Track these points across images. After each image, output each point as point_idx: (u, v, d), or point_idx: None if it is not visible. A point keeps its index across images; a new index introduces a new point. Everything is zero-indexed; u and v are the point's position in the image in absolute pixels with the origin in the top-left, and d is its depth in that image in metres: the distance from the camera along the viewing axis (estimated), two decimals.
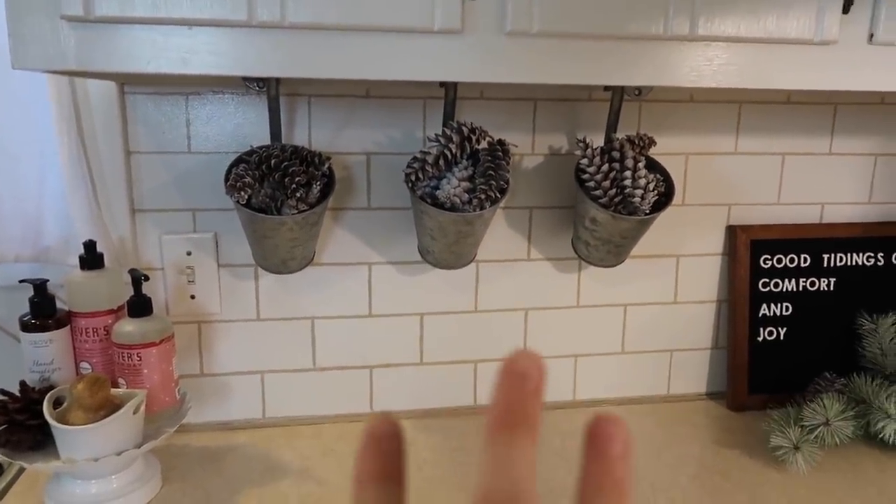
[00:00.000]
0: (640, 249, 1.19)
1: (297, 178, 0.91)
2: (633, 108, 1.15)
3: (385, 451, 0.22)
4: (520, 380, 0.21)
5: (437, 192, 0.97)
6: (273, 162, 0.91)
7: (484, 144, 1.02)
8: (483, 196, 0.96)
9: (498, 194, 0.98)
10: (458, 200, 0.96)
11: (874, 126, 1.24)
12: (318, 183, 0.94)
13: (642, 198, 1.00)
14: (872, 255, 1.25)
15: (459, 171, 0.98)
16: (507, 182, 0.99)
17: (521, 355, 0.21)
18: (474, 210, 0.97)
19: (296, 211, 0.92)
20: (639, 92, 1.10)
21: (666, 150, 1.17)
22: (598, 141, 1.06)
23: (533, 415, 0.21)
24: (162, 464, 0.99)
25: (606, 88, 1.09)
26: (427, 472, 1.02)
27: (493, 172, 0.97)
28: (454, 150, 0.97)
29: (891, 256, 1.26)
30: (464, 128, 0.98)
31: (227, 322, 1.12)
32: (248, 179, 0.90)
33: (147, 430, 0.92)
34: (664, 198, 1.05)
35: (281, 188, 0.92)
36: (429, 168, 0.97)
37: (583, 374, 1.24)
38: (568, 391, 1.25)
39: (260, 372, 1.14)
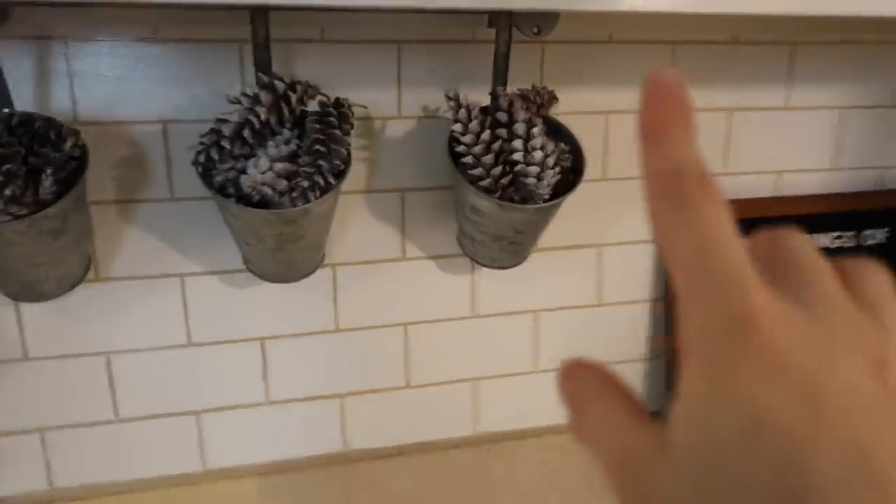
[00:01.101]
0: (550, 239, 0.91)
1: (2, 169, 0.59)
2: (531, 54, 0.86)
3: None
4: (661, 86, 0.20)
5: (242, 177, 0.67)
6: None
7: (314, 106, 0.71)
8: (307, 183, 0.66)
9: (331, 179, 0.68)
10: (268, 190, 0.66)
11: (838, 71, 0.98)
12: (52, 172, 0.63)
13: (538, 177, 0.71)
14: (841, 234, 1.00)
15: (274, 147, 0.68)
16: (344, 161, 0.69)
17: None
18: (295, 204, 0.67)
19: (8, 217, 0.60)
20: (538, 30, 0.81)
21: (578, 107, 0.89)
22: (483, 99, 0.76)
23: (688, 111, 0.19)
24: None
25: (491, 23, 0.79)
26: None
27: (322, 148, 0.67)
28: (263, 117, 0.66)
29: (861, 235, 1.01)
30: (278, 82, 0.67)
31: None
32: None
33: None
34: (572, 175, 0.77)
35: None
36: (226, 144, 0.66)
37: (486, 402, 0.97)
38: (466, 424, 0.97)
39: (39, 430, 0.83)
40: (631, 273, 0.98)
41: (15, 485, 0.84)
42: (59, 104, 0.75)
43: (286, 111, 0.68)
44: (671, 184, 0.19)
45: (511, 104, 0.73)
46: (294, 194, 0.66)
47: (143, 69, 0.76)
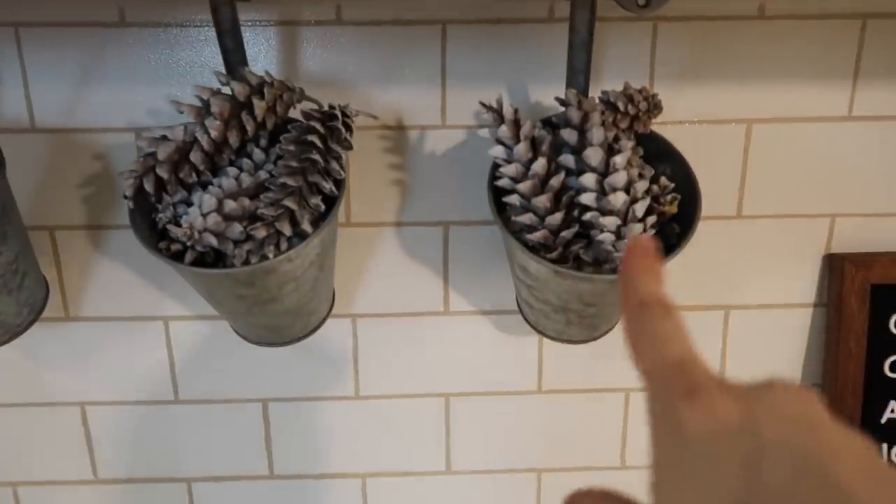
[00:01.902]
0: None
1: None
2: (636, 38, 0.59)
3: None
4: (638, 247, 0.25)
5: (183, 219, 0.47)
6: None
7: (298, 115, 0.51)
8: (264, 232, 0.46)
9: (306, 225, 0.47)
10: (212, 240, 0.46)
11: None
12: None
13: (618, 233, 0.46)
14: None
15: (231, 178, 0.48)
16: (332, 193, 0.48)
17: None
18: (248, 260, 0.47)
19: None
20: (646, 2, 0.55)
21: (705, 114, 0.61)
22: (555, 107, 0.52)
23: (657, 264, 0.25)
24: None
25: None
26: None
27: (294, 181, 0.46)
28: (215, 134, 0.47)
29: None
30: (238, 84, 0.47)
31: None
32: None
33: None
34: (678, 224, 0.51)
35: None
36: (163, 172, 0.47)
37: (551, 502, 0.73)
38: None
39: (11, 484, 0.71)
40: (772, 348, 0.69)
41: None
42: (11, 107, 0.60)
43: (250, 125, 0.47)
44: (640, 308, 0.23)
45: (585, 117, 0.48)
46: (248, 247, 0.46)
47: (108, 61, 0.59)
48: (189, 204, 0.49)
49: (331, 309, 0.61)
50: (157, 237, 0.50)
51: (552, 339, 0.59)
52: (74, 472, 0.71)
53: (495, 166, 0.51)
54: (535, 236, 0.48)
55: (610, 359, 0.68)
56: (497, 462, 0.72)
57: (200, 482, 0.71)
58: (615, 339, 0.61)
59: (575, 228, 0.48)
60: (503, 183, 0.49)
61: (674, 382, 0.21)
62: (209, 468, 0.71)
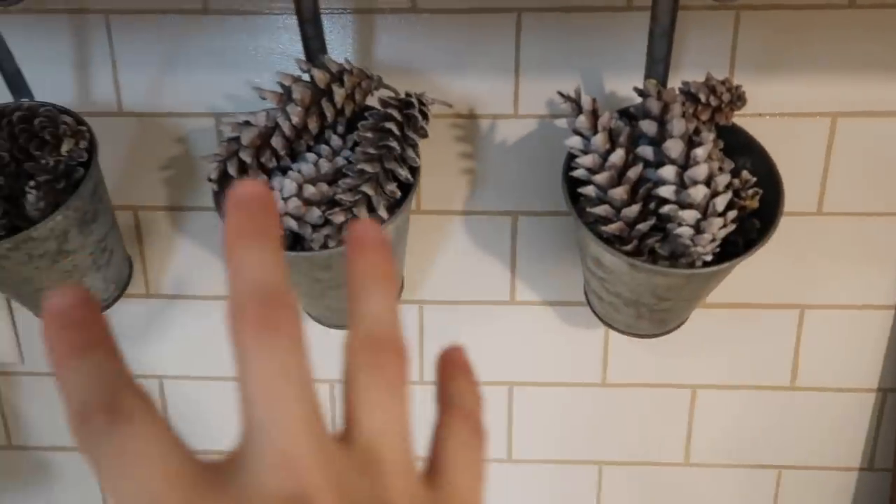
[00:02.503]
0: (726, 293, 0.64)
1: None
2: (718, 27, 0.58)
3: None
4: (249, 200, 0.18)
5: None
6: None
7: (375, 103, 0.51)
8: (343, 218, 0.47)
9: (382, 211, 0.48)
10: (293, 223, 0.48)
11: None
12: (38, 184, 0.50)
13: (697, 227, 0.45)
14: None
15: (311, 163, 0.49)
16: (408, 181, 0.49)
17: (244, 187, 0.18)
18: (327, 244, 0.48)
19: None
20: None
21: (787, 107, 0.59)
22: (634, 97, 0.52)
23: (272, 225, 0.18)
24: None
25: None
26: None
27: (372, 167, 0.47)
28: (296, 120, 0.48)
29: None
30: (319, 71, 0.48)
31: (32, 376, 0.73)
32: None
33: None
34: (758, 220, 0.50)
35: None
36: (246, 157, 0.48)
37: (611, 495, 0.73)
38: None
39: None
40: (847, 349, 0.67)
41: (69, 500, 0.77)
42: (102, 92, 0.62)
43: (330, 112, 0.48)
44: (239, 306, 0.17)
45: (665, 108, 0.47)
46: (327, 231, 0.47)
47: (191, 48, 0.61)
48: (269, 188, 0.51)
49: (399, 295, 0.62)
50: None
51: (621, 332, 0.59)
52: None
53: (570, 157, 0.50)
54: (611, 228, 0.47)
55: (678, 354, 0.67)
56: (558, 452, 0.72)
57: None
58: (683, 335, 0.60)
59: (651, 221, 0.47)
60: (579, 174, 0.48)
61: None
62: None
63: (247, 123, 0.48)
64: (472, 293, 0.67)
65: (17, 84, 0.54)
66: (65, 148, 0.50)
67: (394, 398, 0.19)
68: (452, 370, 0.22)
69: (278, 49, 0.60)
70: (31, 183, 0.49)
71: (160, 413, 0.17)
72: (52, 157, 0.50)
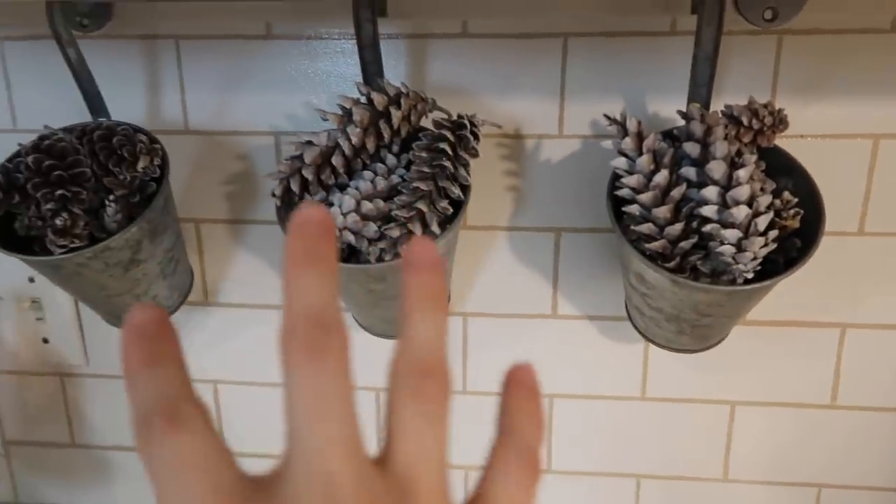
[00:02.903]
0: (767, 310, 0.65)
1: (51, 198, 0.51)
2: (760, 51, 0.59)
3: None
4: (310, 225, 0.19)
5: None
6: (25, 163, 0.52)
7: (428, 124, 0.54)
8: (398, 233, 0.50)
9: (434, 227, 0.51)
10: (351, 237, 0.51)
11: None
12: (117, 198, 0.54)
13: (739, 246, 0.47)
14: None
15: (367, 181, 0.52)
16: (459, 198, 0.51)
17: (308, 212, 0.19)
18: (382, 257, 0.51)
19: (62, 249, 0.52)
20: (773, 14, 0.56)
21: (829, 128, 0.60)
22: (676, 119, 0.54)
23: (330, 251, 0.19)
24: None
25: (695, 8, 0.55)
26: None
27: (426, 185, 0.50)
28: (356, 140, 0.51)
29: None
30: (377, 95, 0.51)
31: (96, 377, 0.77)
32: None
33: None
34: (799, 240, 0.51)
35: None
36: (308, 174, 0.52)
37: None
38: None
39: None
40: (886, 367, 0.67)
41: (126, 499, 0.81)
42: (170, 112, 0.66)
43: (387, 132, 0.51)
44: (289, 330, 0.18)
45: (708, 130, 0.49)
46: (382, 245, 0.50)
47: (254, 71, 0.64)
48: (327, 204, 0.54)
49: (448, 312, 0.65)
50: None
51: (661, 346, 0.60)
52: None
53: (615, 176, 0.52)
54: (654, 246, 0.49)
55: (717, 370, 0.68)
56: (597, 465, 0.73)
57: None
58: (723, 351, 0.61)
59: (694, 239, 0.49)
60: (623, 193, 0.50)
61: None
62: None
63: (309, 143, 0.52)
64: (515, 306, 0.69)
65: (97, 105, 0.59)
66: (141, 165, 0.54)
67: (433, 427, 0.19)
68: (517, 390, 0.22)
69: (336, 72, 0.64)
70: (111, 197, 0.53)
71: (214, 426, 0.19)
72: (129, 172, 0.54)
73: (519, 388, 0.22)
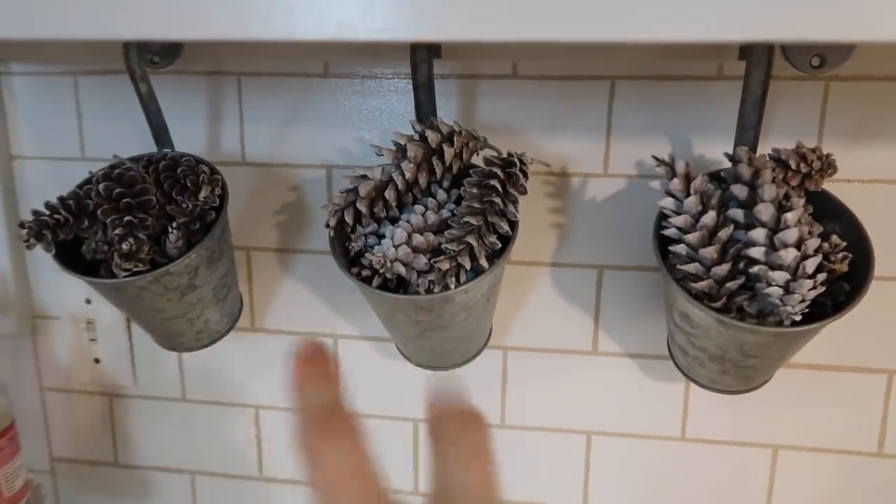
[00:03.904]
0: (812, 355, 0.65)
1: (119, 224, 0.53)
2: (807, 96, 0.60)
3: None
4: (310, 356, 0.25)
5: (375, 249, 0.54)
6: (96, 191, 0.55)
7: (479, 161, 0.56)
8: (447, 265, 0.51)
9: (483, 262, 0.52)
10: (401, 269, 0.52)
11: None
12: (179, 225, 0.56)
13: (787, 288, 0.47)
14: None
15: (419, 214, 0.54)
16: (507, 234, 0.53)
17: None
18: (431, 290, 0.52)
19: (126, 272, 0.55)
20: (820, 61, 0.57)
21: (877, 173, 0.61)
22: (724, 162, 0.55)
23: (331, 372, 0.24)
24: None
25: (743, 54, 0.56)
26: None
27: (476, 220, 0.52)
28: (409, 175, 0.53)
29: None
30: (431, 132, 0.53)
31: (143, 399, 0.79)
32: (51, 218, 0.55)
33: None
34: (847, 283, 0.51)
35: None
36: (362, 206, 0.54)
37: None
38: None
39: (191, 472, 0.81)
40: None
41: None
42: (229, 144, 0.69)
43: (439, 168, 0.53)
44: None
45: (756, 173, 0.50)
46: (431, 277, 0.52)
47: (310, 107, 0.67)
48: (378, 236, 0.55)
49: (488, 340, 0.66)
50: (348, 263, 0.57)
51: (704, 386, 0.60)
52: (243, 467, 0.79)
53: (661, 216, 0.53)
54: (701, 285, 0.50)
55: (760, 413, 0.67)
56: (634, 503, 0.72)
57: None
58: (767, 393, 0.61)
59: (740, 280, 0.49)
60: (670, 233, 0.51)
61: None
62: None
63: (364, 177, 0.54)
64: (556, 342, 0.70)
65: (163, 137, 0.62)
66: (203, 194, 0.57)
67: (481, 459, 0.22)
68: None
69: (388, 109, 0.66)
70: (173, 224, 0.56)
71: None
72: (191, 201, 0.57)
73: None
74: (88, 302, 0.76)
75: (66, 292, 0.76)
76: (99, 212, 0.54)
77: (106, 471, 0.82)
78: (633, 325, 0.68)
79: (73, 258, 0.59)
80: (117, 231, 0.53)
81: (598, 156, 0.64)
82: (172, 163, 0.58)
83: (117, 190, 0.54)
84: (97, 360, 0.78)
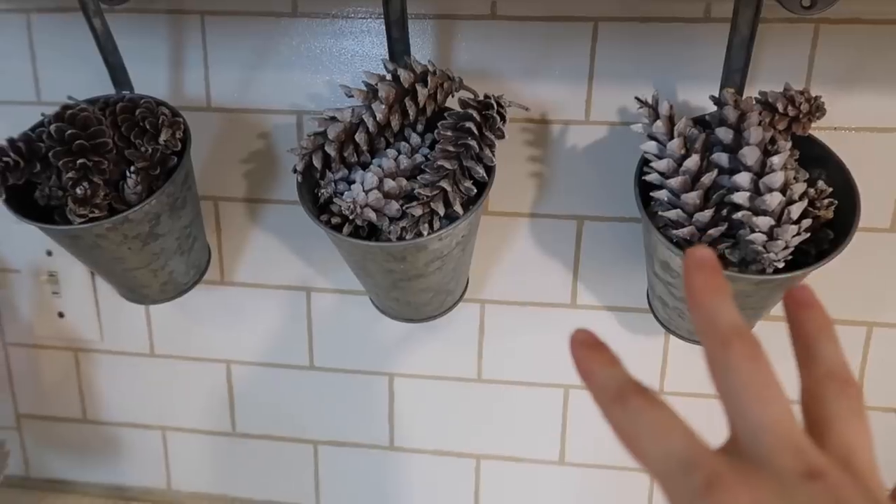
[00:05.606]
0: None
1: (73, 167, 0.50)
2: (796, 40, 0.58)
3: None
4: (705, 265, 0.23)
5: (345, 195, 0.51)
6: (47, 132, 0.51)
7: (455, 105, 0.53)
8: (420, 211, 0.49)
9: (458, 207, 0.50)
10: (372, 215, 0.50)
11: None
12: (137, 169, 0.53)
13: (770, 234, 0.46)
14: None
15: (391, 159, 0.51)
16: (483, 179, 0.51)
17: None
18: (403, 236, 0.50)
19: (82, 218, 0.52)
20: (811, 2, 0.54)
21: (866, 121, 0.59)
22: (709, 106, 0.52)
23: (725, 283, 0.24)
24: None
25: None
26: None
27: (450, 164, 0.49)
28: (380, 117, 0.50)
29: None
30: (404, 72, 0.50)
31: (110, 353, 0.77)
32: (10, 158, 0.52)
33: None
34: (832, 231, 0.50)
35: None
36: (331, 150, 0.51)
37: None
38: None
39: (161, 428, 0.79)
40: None
41: (135, 476, 0.81)
42: (193, 88, 0.66)
43: (412, 110, 0.50)
44: (723, 341, 0.22)
45: (742, 116, 0.48)
46: (403, 223, 0.50)
47: (278, 48, 0.64)
48: (348, 182, 0.53)
49: (464, 292, 0.64)
50: (317, 210, 0.54)
51: (683, 338, 0.59)
52: (215, 422, 0.77)
53: (643, 161, 0.51)
54: (682, 232, 0.48)
55: None
56: (611, 458, 0.72)
57: (326, 445, 0.76)
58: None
59: (723, 227, 0.48)
60: (652, 178, 0.49)
61: (686, 479, 0.21)
62: (335, 433, 0.76)
63: (333, 119, 0.51)
64: (534, 295, 0.68)
65: (121, 78, 0.58)
66: (162, 137, 0.54)
67: (861, 417, 0.23)
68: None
69: (361, 51, 0.63)
70: (131, 169, 0.53)
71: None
72: (151, 145, 0.54)
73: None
74: (50, 254, 0.73)
75: (25, 244, 0.73)
76: (51, 154, 0.51)
77: (73, 427, 0.80)
78: (612, 278, 0.67)
79: (27, 205, 0.56)
80: (70, 175, 0.50)
81: (580, 102, 0.62)
82: (131, 104, 0.55)
83: (70, 131, 0.51)
84: (61, 315, 0.75)
